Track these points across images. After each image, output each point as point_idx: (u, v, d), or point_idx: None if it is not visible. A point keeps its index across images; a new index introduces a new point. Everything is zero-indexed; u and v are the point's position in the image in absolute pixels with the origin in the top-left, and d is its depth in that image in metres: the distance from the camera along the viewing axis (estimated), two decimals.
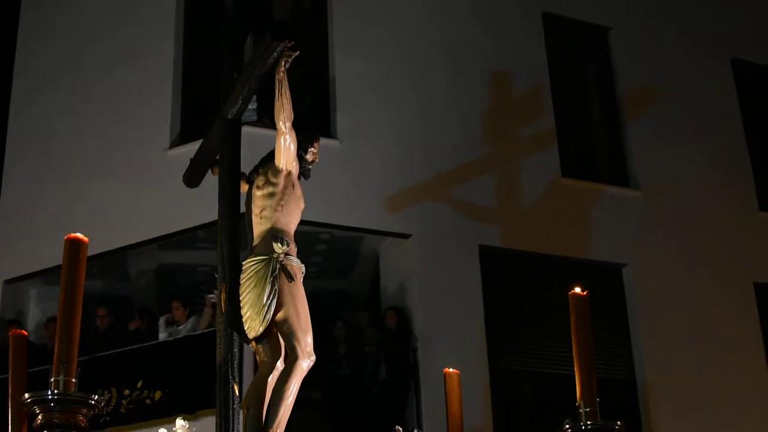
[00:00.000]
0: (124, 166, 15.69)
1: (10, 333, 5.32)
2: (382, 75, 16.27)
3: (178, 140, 15.73)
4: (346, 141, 15.53)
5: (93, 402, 4.05)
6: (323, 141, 14.62)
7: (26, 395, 4.05)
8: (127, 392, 13.81)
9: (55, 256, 15.63)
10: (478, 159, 16.31)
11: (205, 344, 14.07)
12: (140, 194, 15.39)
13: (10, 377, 5.10)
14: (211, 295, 14.97)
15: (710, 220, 17.66)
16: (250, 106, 15.28)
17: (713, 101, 18.74)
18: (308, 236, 15.45)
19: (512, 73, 17.22)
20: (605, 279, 16.87)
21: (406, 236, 15.64)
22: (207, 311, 15.08)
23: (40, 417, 4.02)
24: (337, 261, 16.35)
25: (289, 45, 6.36)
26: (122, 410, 13.78)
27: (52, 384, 4.00)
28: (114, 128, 15.99)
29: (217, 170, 7.28)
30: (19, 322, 16.12)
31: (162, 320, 15.10)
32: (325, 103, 16.16)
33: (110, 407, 13.77)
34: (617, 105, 18.28)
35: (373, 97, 16.04)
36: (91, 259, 15.80)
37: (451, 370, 6.83)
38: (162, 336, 14.78)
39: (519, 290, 16.28)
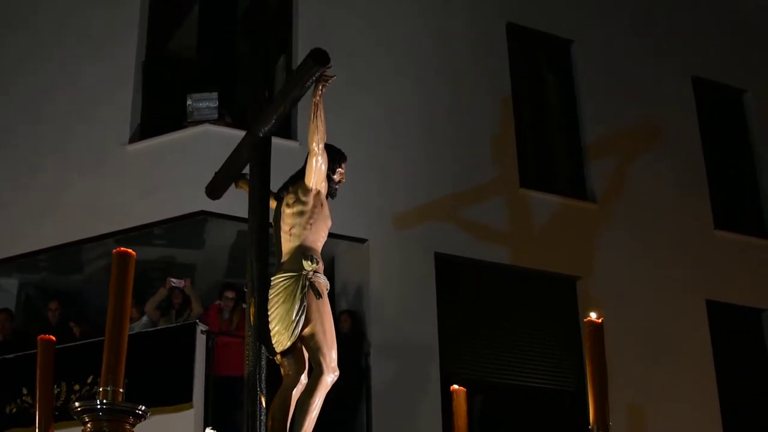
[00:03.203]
0: (82, 158, 15.58)
1: (38, 338, 5.48)
2: (343, 78, 16.22)
3: (138, 135, 15.64)
4: (306, 143, 15.49)
5: (140, 412, 4.23)
6: (283, 142, 14.62)
7: (76, 404, 4.23)
8: (77, 387, 13.69)
9: (8, 247, 15.56)
10: (436, 166, 16.32)
11: (157, 342, 14.01)
12: (97, 188, 15.29)
13: (38, 382, 5.33)
14: (172, 279, 14.88)
15: (665, 236, 17.76)
16: (210, 104, 15.28)
17: (673, 118, 18.85)
18: None
19: (474, 82, 17.25)
20: (559, 291, 16.93)
21: (362, 240, 15.62)
22: (161, 291, 14.97)
23: (89, 425, 4.20)
24: None
25: (327, 68, 6.59)
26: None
27: (101, 393, 4.18)
28: (73, 120, 15.86)
29: (240, 184, 7.57)
30: None
31: None
32: None
33: (60, 402, 13.67)
34: (577, 117, 18.35)
35: (333, 100, 16.00)
36: (44, 251, 15.65)
37: (457, 387, 7.12)
38: None
39: (474, 299, 16.31)
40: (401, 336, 15.01)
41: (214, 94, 15.31)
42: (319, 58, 6.48)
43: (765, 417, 17.93)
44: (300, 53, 15.96)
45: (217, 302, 14.68)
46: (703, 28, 20.07)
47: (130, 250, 4.44)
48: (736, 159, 19.96)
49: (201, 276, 16.01)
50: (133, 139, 15.56)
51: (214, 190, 7.92)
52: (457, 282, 16.17)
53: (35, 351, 14.01)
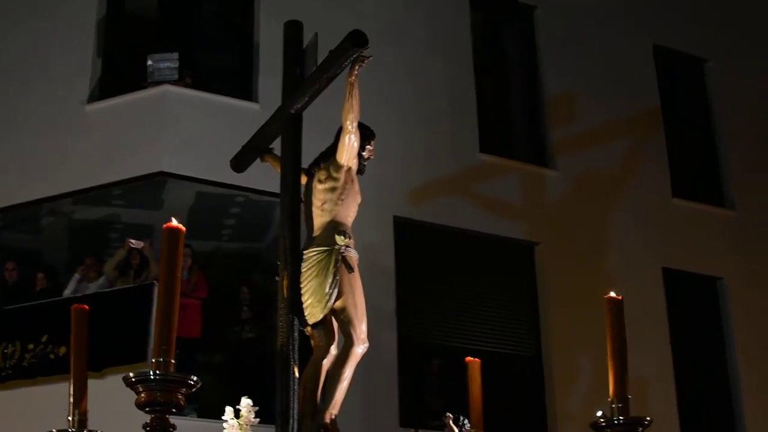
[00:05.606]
0: (40, 117, 15.44)
1: (72, 307, 5.47)
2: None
3: (97, 95, 15.53)
4: (266, 105, 15.37)
5: (192, 382, 4.32)
6: (243, 104, 14.54)
7: (130, 374, 4.34)
8: (31, 346, 13.65)
9: None
10: (395, 130, 16.25)
11: (114, 302, 13.97)
12: (56, 148, 15.16)
13: (72, 351, 5.39)
14: (131, 240, 14.80)
15: (623, 203, 17.82)
16: (171, 65, 15.18)
17: (633, 85, 18.89)
18: (224, 198, 15.37)
19: (435, 46, 17.21)
20: (518, 256, 16.99)
21: None
22: (119, 252, 14.93)
23: (143, 395, 4.33)
24: (251, 224, 16.28)
25: (365, 50, 6.92)
26: (25, 364, 13.63)
27: (154, 365, 4.27)
28: (32, 79, 15.71)
29: (266, 158, 7.86)
30: None
31: (76, 276, 14.91)
32: (248, 66, 16.04)
33: (13, 361, 13.62)
34: (538, 84, 18.36)
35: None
36: (1, 210, 15.49)
37: (472, 358, 7.43)
38: (67, 292, 14.61)
39: (432, 263, 16.34)
40: None
41: (175, 55, 15.22)
42: (357, 40, 6.81)
43: (719, 385, 18.09)
44: (262, 22, 15.90)
45: None
46: None
47: (180, 226, 4.57)
48: (696, 128, 20.04)
49: (159, 237, 15.89)
50: (92, 99, 15.45)
51: (240, 163, 8.13)
52: (416, 246, 16.18)
53: None
